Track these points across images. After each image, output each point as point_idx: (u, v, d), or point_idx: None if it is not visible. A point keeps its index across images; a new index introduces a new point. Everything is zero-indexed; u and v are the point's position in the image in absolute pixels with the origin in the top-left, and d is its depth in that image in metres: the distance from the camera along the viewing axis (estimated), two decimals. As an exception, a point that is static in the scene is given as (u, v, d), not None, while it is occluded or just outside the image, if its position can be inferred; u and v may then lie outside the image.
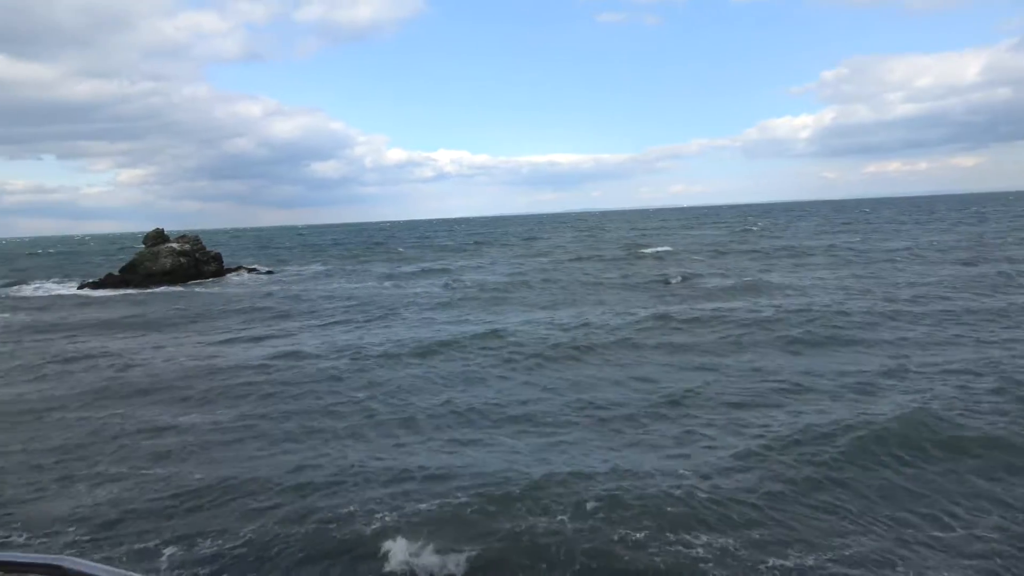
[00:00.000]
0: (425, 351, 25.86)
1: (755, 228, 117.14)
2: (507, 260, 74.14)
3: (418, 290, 48.71)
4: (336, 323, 35.23)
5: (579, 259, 69.53)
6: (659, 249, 76.38)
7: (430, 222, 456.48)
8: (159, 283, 64.98)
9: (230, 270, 73.76)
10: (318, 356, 26.18)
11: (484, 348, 25.90)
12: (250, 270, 76.62)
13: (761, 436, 14.89)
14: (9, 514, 13.00)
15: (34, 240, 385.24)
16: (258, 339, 31.40)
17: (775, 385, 19.07)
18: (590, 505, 11.88)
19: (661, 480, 12.85)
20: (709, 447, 14.66)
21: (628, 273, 52.30)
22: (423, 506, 12.29)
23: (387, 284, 55.73)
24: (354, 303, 43.16)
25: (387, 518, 11.88)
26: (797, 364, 21.45)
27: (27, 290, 69.39)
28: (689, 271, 50.37)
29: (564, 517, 11.50)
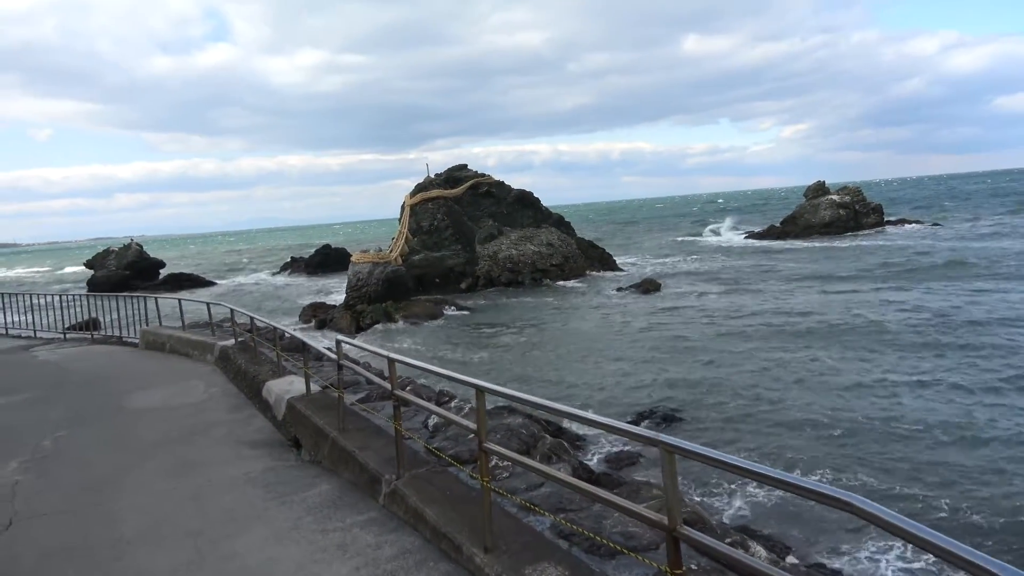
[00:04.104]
0: None
1: None
2: None
3: None
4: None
5: None
6: None
7: None
8: (817, 235, 66.31)
9: (890, 222, 70.05)
10: None
11: None
12: (912, 222, 71.35)
13: None
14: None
15: (711, 195, 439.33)
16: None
17: None
18: None
19: None
20: None
21: None
22: None
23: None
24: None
25: None
26: None
27: (713, 235, 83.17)
28: None
29: None
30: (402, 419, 6.02)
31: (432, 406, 5.50)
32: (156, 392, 11.96)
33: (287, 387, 9.57)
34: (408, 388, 8.83)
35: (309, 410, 8.24)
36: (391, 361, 5.89)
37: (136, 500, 6.85)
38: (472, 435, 4.91)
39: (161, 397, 11.56)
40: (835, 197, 70.80)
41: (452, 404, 8.15)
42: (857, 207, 69.69)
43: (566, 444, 6.60)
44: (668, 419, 16.27)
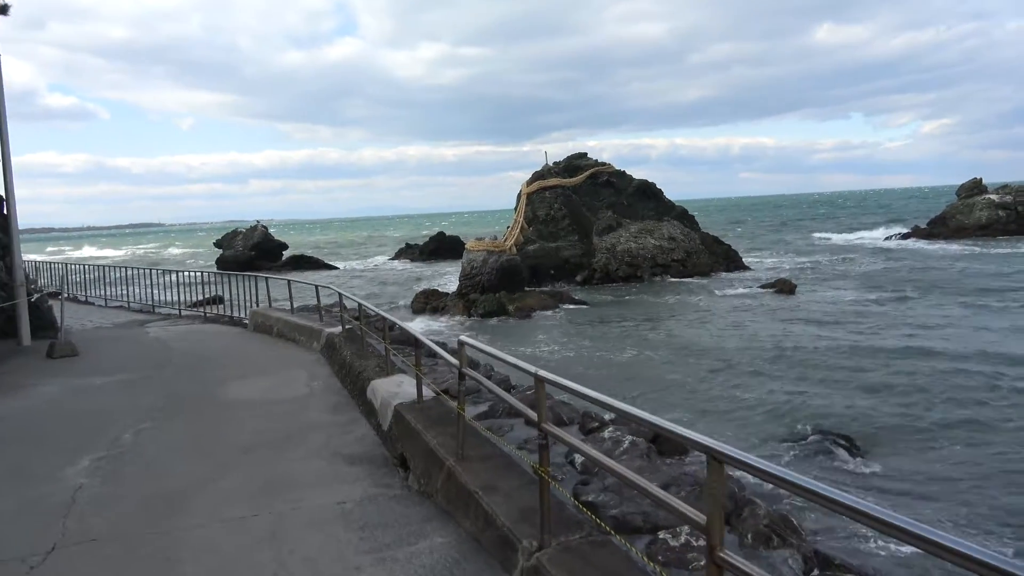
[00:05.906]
0: None
1: None
2: None
3: None
4: None
5: None
6: None
7: None
8: (971, 237, 59.63)
9: (1061, 227, 62.15)
10: None
11: None
12: (1088, 228, 63.04)
13: None
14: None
15: (838, 193, 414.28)
16: None
17: None
18: None
19: None
20: None
21: None
22: None
23: None
24: None
25: None
26: None
27: (848, 234, 77.59)
28: None
29: None
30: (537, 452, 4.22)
31: (616, 465, 3.50)
32: (256, 382, 10.83)
33: (395, 389, 8.03)
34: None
35: (420, 424, 6.62)
36: (540, 380, 4.08)
37: (202, 530, 5.42)
38: (684, 523, 3.02)
39: (260, 388, 10.38)
40: (994, 197, 63.58)
41: (605, 436, 6.27)
42: (1020, 208, 62.28)
43: (794, 521, 4.57)
44: (827, 452, 13.57)
